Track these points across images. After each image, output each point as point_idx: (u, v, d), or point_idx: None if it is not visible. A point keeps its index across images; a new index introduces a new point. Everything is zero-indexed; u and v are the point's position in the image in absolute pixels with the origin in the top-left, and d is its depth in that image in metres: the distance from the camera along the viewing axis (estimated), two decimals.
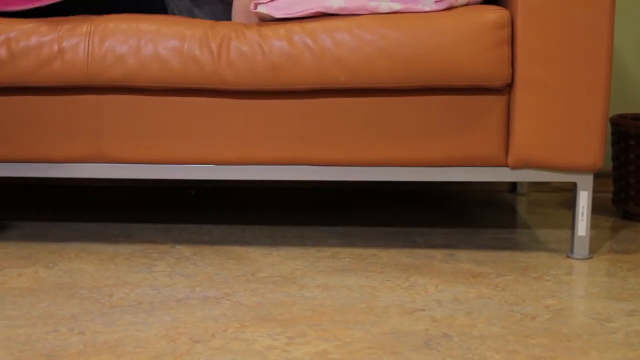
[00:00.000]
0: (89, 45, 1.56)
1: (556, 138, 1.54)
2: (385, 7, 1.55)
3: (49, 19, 1.61)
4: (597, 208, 2.06)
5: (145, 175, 1.65)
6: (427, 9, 1.55)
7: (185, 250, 1.69)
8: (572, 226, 1.61)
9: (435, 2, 1.54)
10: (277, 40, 1.54)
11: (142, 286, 1.45)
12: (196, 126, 1.60)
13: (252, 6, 1.59)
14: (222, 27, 1.58)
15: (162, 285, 1.45)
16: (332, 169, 1.61)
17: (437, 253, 1.66)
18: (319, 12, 1.57)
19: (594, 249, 1.70)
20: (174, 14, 1.74)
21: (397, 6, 1.55)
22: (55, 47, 1.56)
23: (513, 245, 1.72)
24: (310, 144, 1.59)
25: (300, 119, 1.58)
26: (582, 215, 1.60)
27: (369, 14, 1.56)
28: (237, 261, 1.60)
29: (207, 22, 1.60)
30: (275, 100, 1.58)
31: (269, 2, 1.58)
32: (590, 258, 1.63)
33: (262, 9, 1.58)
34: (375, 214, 2.02)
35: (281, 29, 1.55)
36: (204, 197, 2.26)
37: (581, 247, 1.62)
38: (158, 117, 1.60)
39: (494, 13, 1.52)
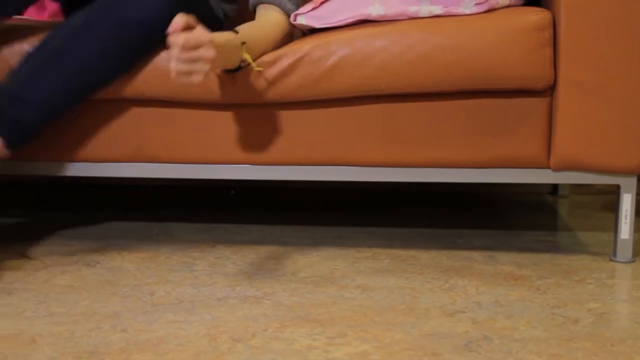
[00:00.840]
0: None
1: (599, 140, 1.53)
2: (425, 11, 1.54)
3: None
4: None
5: (185, 175, 1.66)
6: (467, 12, 1.54)
7: (225, 249, 1.70)
8: (615, 229, 1.60)
9: (476, 4, 1.53)
10: (317, 51, 1.54)
11: (183, 285, 1.46)
12: (237, 128, 1.60)
13: (292, 18, 1.60)
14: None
15: (203, 284, 1.46)
16: (373, 169, 1.61)
17: (477, 255, 1.65)
18: (359, 21, 1.57)
19: (638, 252, 1.68)
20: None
21: (437, 10, 1.54)
22: None
23: (554, 248, 1.70)
24: (351, 146, 1.59)
25: (341, 124, 1.58)
26: (626, 218, 1.58)
27: (409, 19, 1.55)
28: (277, 261, 1.61)
29: None
30: (315, 109, 1.59)
31: (308, 12, 1.59)
32: (633, 261, 1.61)
33: (301, 20, 1.58)
34: (415, 215, 2.02)
35: (320, 39, 1.55)
36: (243, 197, 2.27)
37: (624, 250, 1.60)
38: (199, 120, 1.61)
39: (535, 15, 1.51)
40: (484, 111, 1.55)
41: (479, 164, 1.58)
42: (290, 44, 1.58)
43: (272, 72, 1.55)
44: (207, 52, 1.33)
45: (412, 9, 1.54)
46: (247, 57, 1.48)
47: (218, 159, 1.63)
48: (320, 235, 1.82)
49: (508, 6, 1.57)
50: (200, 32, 1.33)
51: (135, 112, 1.62)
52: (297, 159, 1.61)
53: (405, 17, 1.55)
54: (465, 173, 1.59)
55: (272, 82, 1.55)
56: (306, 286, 1.45)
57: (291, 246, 1.73)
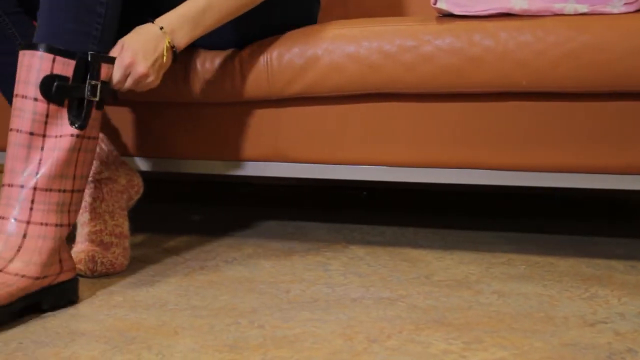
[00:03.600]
0: (268, 62, 1.60)
1: None
2: (570, 9, 1.50)
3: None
4: None
5: (320, 175, 1.67)
6: (616, 11, 1.49)
7: (358, 250, 1.71)
8: None
9: (625, 4, 1.48)
10: (456, 41, 1.52)
11: (318, 284, 1.47)
12: (370, 128, 1.61)
13: (432, 1, 1.58)
14: (397, 27, 1.57)
15: (337, 283, 1.47)
16: (507, 173, 1.58)
17: (618, 264, 1.59)
18: (500, 13, 1.54)
19: None
20: None
21: (583, 8, 1.50)
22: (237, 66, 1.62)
23: None
24: (486, 147, 1.56)
25: (476, 122, 1.56)
26: None
27: (552, 16, 1.52)
28: (411, 263, 1.60)
29: (381, 21, 1.60)
30: (451, 103, 1.57)
31: None
32: None
33: (441, 5, 1.56)
34: (550, 221, 1.97)
35: (460, 28, 1.53)
36: (375, 198, 2.28)
37: None
38: (333, 121, 1.62)
39: None
40: (627, 115, 1.49)
41: (618, 170, 1.52)
42: (426, 32, 1.56)
43: (409, 57, 1.54)
44: (140, 77, 1.38)
45: (557, 6, 1.50)
46: (168, 42, 1.42)
47: (351, 159, 1.64)
48: (453, 238, 1.80)
49: None
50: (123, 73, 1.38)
51: (273, 112, 1.64)
52: (429, 161, 1.60)
53: (548, 14, 1.51)
54: (604, 179, 1.54)
55: (409, 68, 1.54)
56: (441, 290, 1.44)
57: (424, 249, 1.72)
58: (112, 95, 1.41)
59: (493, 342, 1.19)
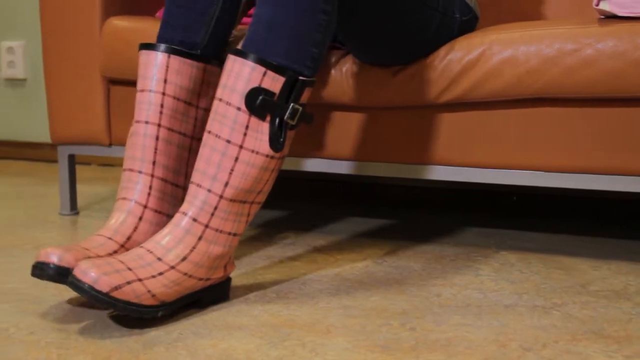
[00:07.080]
0: (423, 70, 1.60)
1: None
2: None
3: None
4: None
5: (474, 178, 1.65)
6: None
7: (510, 256, 1.68)
8: None
9: None
10: (620, 44, 1.47)
11: (469, 288, 1.46)
12: (527, 133, 1.57)
13: (594, 2, 1.53)
14: (557, 30, 1.53)
15: (488, 289, 1.45)
16: None
17: None
18: None
19: None
20: None
21: None
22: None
23: None
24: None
25: (630, 127, 1.50)
26: None
27: None
28: (565, 271, 1.56)
29: (539, 25, 1.56)
30: (613, 108, 1.52)
31: None
32: None
33: (604, 6, 1.51)
34: None
35: (623, 30, 1.47)
36: (526, 203, 2.23)
37: None
38: (488, 126, 1.60)
39: None
40: None
41: None
42: (591, 31, 1.51)
43: (569, 61, 1.50)
44: None
45: None
46: None
47: (506, 163, 1.61)
48: (609, 248, 1.75)
49: None
50: None
51: (428, 116, 1.64)
52: (588, 167, 1.55)
53: None
54: None
55: (569, 73, 1.50)
56: (598, 300, 1.39)
57: (579, 257, 1.67)
58: (307, 121, 1.37)
59: None
